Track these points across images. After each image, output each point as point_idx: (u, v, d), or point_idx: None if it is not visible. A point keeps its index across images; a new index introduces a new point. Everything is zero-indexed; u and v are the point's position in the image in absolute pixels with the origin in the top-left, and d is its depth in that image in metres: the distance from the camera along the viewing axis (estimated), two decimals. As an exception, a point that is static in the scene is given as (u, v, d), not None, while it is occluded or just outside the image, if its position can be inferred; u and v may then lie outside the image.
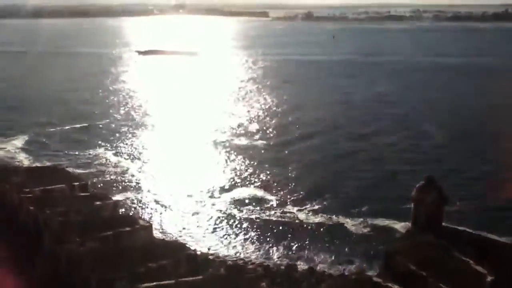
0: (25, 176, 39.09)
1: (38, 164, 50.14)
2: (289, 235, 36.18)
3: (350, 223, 38.10)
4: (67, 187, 36.81)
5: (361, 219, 38.54)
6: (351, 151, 57.02)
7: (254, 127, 68.33)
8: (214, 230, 37.36)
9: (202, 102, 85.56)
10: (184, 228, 37.47)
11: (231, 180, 47.93)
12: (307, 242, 35.04)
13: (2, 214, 30.46)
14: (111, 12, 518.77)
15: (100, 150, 56.84)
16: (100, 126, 67.65)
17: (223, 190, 45.29)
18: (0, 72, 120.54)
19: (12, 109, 77.42)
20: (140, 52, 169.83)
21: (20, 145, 58.16)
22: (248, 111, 78.35)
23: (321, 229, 37.35)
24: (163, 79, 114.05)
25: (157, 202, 42.42)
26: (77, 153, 55.43)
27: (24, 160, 53.20)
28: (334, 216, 39.21)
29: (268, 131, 65.85)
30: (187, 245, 30.06)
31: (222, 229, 37.50)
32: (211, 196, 43.78)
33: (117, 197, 40.62)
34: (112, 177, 47.98)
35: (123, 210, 38.59)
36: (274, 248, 34.26)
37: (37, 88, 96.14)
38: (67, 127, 66.10)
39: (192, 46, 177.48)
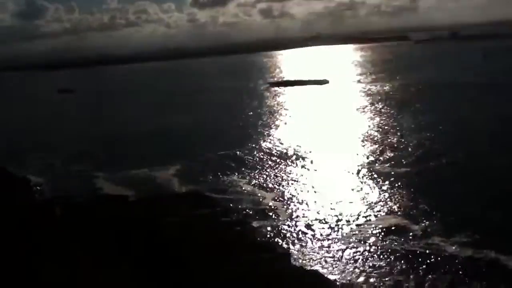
0: (174, 202, 42.50)
1: (185, 190, 54.10)
2: (436, 270, 32.75)
3: (507, 260, 33.09)
4: (209, 213, 38.90)
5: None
6: (501, 177, 50.56)
7: (392, 153, 64.92)
8: (354, 260, 35.59)
9: (335, 130, 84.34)
10: (322, 257, 36.42)
11: (371, 208, 45.72)
12: (457, 279, 31.36)
13: (150, 238, 32.82)
14: (251, 48, 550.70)
15: (235, 178, 59.05)
16: (237, 154, 70.49)
17: (363, 218, 43.35)
18: (153, 109, 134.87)
19: (170, 139, 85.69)
20: (272, 84, 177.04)
21: (173, 172, 63.43)
22: (385, 138, 74.92)
23: (472, 265, 33.14)
24: (295, 109, 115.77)
25: (294, 230, 42.11)
26: (216, 179, 58.49)
27: (175, 185, 57.83)
28: (486, 250, 34.45)
29: (408, 158, 61.96)
30: (325, 275, 29.03)
31: (363, 259, 35.55)
32: (351, 225, 42.14)
33: (255, 224, 41.50)
34: (249, 204, 49.05)
35: (262, 237, 39.07)
36: (420, 283, 31.23)
37: (186, 121, 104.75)
38: (210, 155, 70.33)
39: (324, 76, 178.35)
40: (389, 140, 73.03)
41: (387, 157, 63.30)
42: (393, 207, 45.53)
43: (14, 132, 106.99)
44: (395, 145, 69.19)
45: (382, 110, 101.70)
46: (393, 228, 40.55)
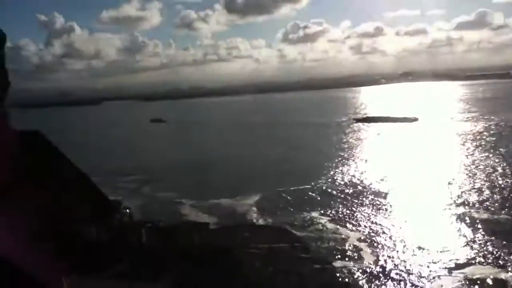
0: (253, 233, 42.42)
1: (264, 222, 53.79)
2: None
3: None
4: (289, 247, 38.13)
5: None
6: None
7: (483, 197, 59.77)
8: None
9: (422, 170, 79.12)
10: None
11: (462, 255, 41.91)
12: None
13: (229, 266, 32.79)
14: (339, 84, 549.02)
15: (316, 214, 57.17)
16: (319, 189, 69.01)
17: (454, 266, 39.73)
18: (239, 140, 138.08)
19: (252, 170, 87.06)
20: (357, 120, 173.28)
21: (253, 202, 63.62)
22: (475, 181, 69.31)
23: None
24: (380, 146, 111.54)
25: (378, 275, 39.62)
26: (296, 214, 57.14)
27: (254, 216, 57.75)
28: None
29: (500, 203, 56.71)
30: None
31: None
32: (441, 274, 38.77)
33: (337, 264, 39.83)
34: (331, 243, 47.17)
35: (342, 278, 37.34)
36: None
37: (269, 153, 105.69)
38: (291, 188, 69.53)
39: (414, 113, 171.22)
40: (480, 183, 67.55)
41: (477, 201, 58.47)
42: (487, 255, 41.45)
43: (110, 156, 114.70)
44: (487, 189, 63.81)
45: (474, 151, 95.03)
46: (489, 280, 36.75)
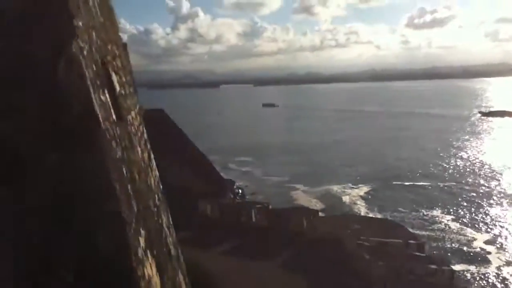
0: (363, 225, 40.64)
1: (375, 215, 51.25)
2: None
3: None
4: (403, 243, 35.79)
5: None
6: None
7: None
8: None
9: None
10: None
11: None
12: None
13: (338, 256, 31.77)
14: (468, 73, 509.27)
15: (437, 213, 52.62)
16: (441, 188, 63.59)
17: None
18: (351, 128, 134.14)
19: (364, 159, 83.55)
20: (483, 113, 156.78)
21: (362, 194, 61.19)
22: None
23: None
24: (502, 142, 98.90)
25: (505, 281, 35.46)
26: (414, 211, 53.38)
27: (362, 208, 55.46)
28: None
29: None
30: None
31: None
32: None
33: (457, 267, 36.43)
34: (453, 244, 43.22)
35: (462, 282, 34.08)
36: None
37: (386, 145, 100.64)
38: (407, 183, 65.53)
39: None
40: None
41: None
42: None
43: (225, 137, 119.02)
44: None
45: None
46: None
